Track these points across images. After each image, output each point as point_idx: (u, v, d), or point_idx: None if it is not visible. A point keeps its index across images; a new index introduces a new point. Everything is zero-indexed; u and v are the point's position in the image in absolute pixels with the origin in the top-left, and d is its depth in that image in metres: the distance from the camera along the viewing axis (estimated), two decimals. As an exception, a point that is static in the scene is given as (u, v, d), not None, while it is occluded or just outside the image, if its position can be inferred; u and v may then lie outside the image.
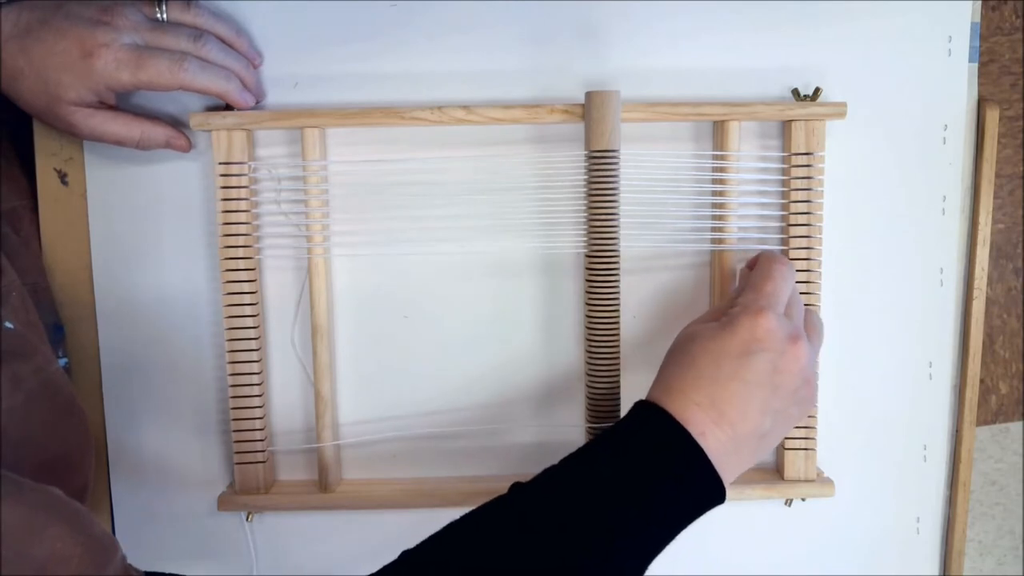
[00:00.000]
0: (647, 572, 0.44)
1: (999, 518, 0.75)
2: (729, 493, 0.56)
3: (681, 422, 0.45)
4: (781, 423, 0.48)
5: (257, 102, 0.55)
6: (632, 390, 0.57)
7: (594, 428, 0.54)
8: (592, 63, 0.56)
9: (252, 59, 0.55)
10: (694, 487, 0.45)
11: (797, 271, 0.56)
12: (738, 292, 0.50)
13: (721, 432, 0.45)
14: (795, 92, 0.56)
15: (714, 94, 0.56)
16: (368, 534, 0.60)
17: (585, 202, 0.53)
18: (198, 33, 0.51)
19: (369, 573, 0.42)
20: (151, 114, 0.54)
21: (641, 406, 0.47)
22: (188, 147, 0.55)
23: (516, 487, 0.46)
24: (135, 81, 0.49)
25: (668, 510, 0.44)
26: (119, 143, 0.52)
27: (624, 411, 0.54)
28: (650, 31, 0.56)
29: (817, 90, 0.55)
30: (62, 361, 0.56)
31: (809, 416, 0.57)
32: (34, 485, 0.36)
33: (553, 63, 0.56)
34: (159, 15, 0.51)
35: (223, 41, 0.53)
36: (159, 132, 0.53)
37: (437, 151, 0.56)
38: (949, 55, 0.57)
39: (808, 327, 0.50)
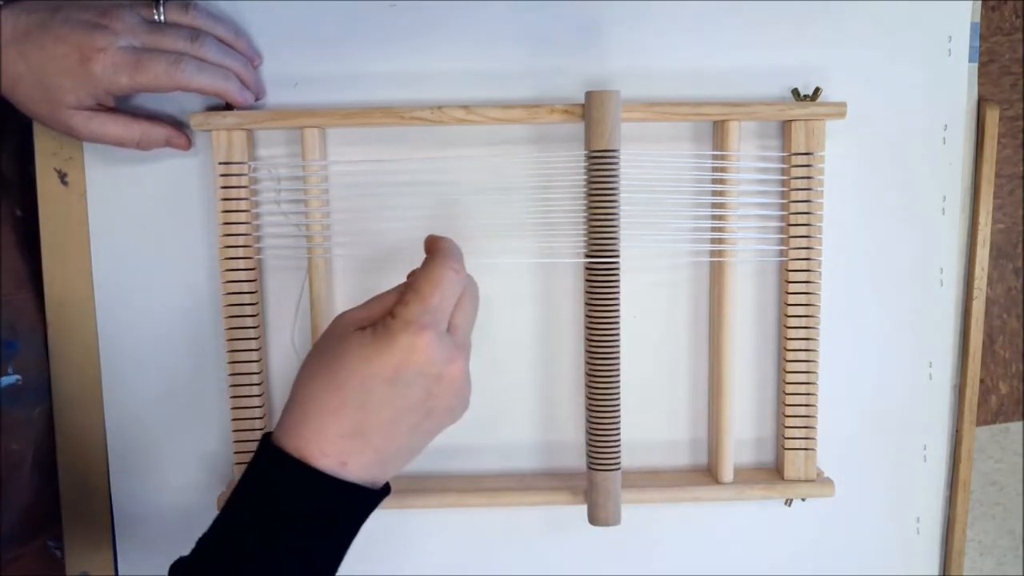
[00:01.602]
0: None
1: (999, 518, 0.75)
2: (729, 493, 0.57)
3: (316, 458, 0.42)
4: (432, 436, 0.46)
5: (257, 99, 0.55)
6: (632, 389, 0.57)
7: (595, 427, 0.54)
8: (592, 63, 0.56)
9: (252, 59, 0.55)
10: (342, 510, 0.43)
11: (797, 271, 0.56)
12: (404, 289, 0.45)
13: (364, 457, 0.43)
14: (795, 92, 0.56)
15: (714, 94, 0.56)
16: (368, 534, 0.60)
17: (585, 202, 0.53)
18: (196, 33, 0.51)
19: None
20: (151, 114, 0.54)
21: (268, 453, 0.43)
22: (188, 145, 0.55)
23: (174, 566, 0.44)
24: (133, 84, 0.49)
25: (323, 541, 0.43)
26: (119, 144, 0.52)
27: (624, 410, 0.55)
28: (650, 31, 0.56)
29: (817, 90, 0.55)
30: (11, 379, 0.56)
31: (809, 416, 0.57)
32: None
33: (553, 63, 0.56)
34: (157, 17, 0.50)
35: (222, 42, 0.53)
36: (159, 132, 0.53)
37: (437, 151, 0.56)
38: (949, 55, 0.57)
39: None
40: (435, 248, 0.47)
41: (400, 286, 0.46)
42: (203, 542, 0.43)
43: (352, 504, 0.44)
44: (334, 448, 0.42)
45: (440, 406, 0.44)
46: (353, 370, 0.42)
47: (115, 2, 0.50)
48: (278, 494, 0.42)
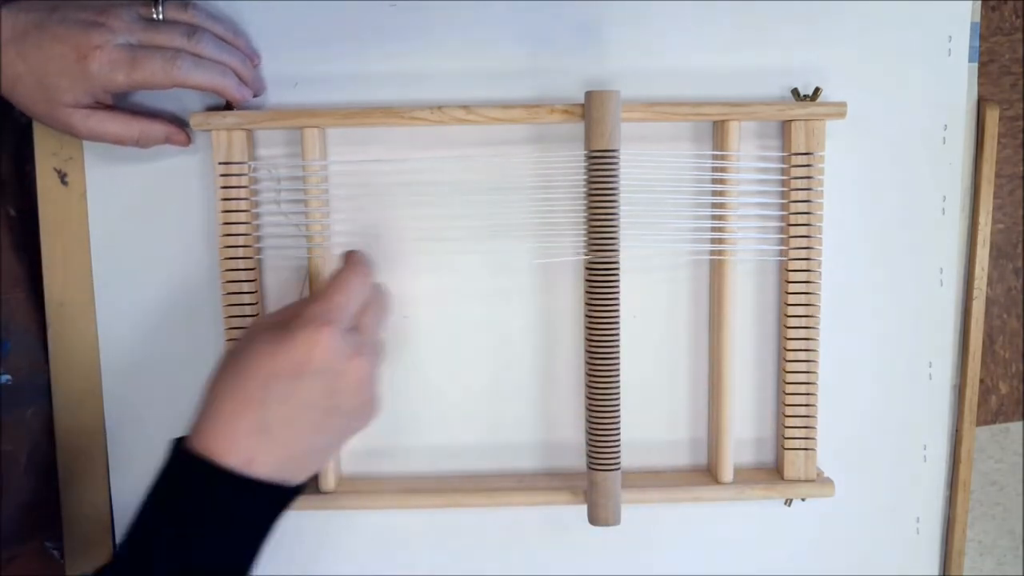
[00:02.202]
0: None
1: (999, 518, 0.75)
2: (729, 493, 0.57)
3: (222, 456, 0.42)
4: (341, 436, 0.48)
5: (257, 95, 0.55)
6: (632, 389, 0.57)
7: (595, 427, 0.54)
8: (592, 63, 0.56)
9: (250, 57, 0.55)
10: (251, 507, 0.44)
11: (797, 271, 0.56)
12: (313, 295, 0.46)
13: (271, 455, 0.44)
14: (795, 92, 0.56)
15: (714, 94, 0.56)
16: (368, 534, 0.60)
17: (585, 202, 0.53)
18: (193, 29, 0.50)
19: None
20: (150, 112, 0.54)
21: (176, 454, 0.44)
22: (188, 142, 0.55)
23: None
24: (130, 81, 0.48)
25: (233, 540, 0.44)
26: (118, 142, 0.52)
27: (624, 411, 0.55)
28: (650, 31, 0.56)
29: (817, 90, 0.55)
30: (3, 378, 0.56)
31: (809, 416, 0.57)
32: None
33: (553, 63, 0.56)
34: (156, 15, 0.50)
35: (220, 39, 0.52)
36: (158, 129, 0.53)
37: (437, 151, 0.56)
38: (949, 55, 0.57)
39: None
40: (346, 259, 0.50)
41: (312, 294, 0.47)
42: (118, 548, 0.43)
43: (261, 501, 0.45)
44: (240, 446, 0.43)
45: (344, 404, 0.45)
46: (256, 367, 0.44)
47: (113, 0, 0.49)
48: (186, 494, 0.43)
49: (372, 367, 0.46)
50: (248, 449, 0.43)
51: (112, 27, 0.48)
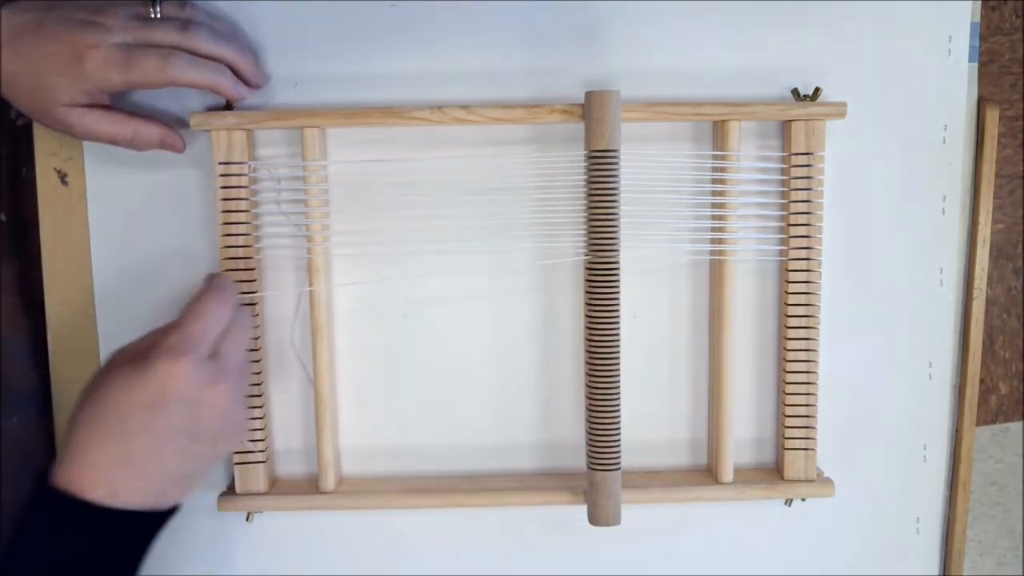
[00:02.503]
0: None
1: (999, 518, 0.75)
2: (729, 493, 0.57)
3: (86, 490, 0.43)
4: (208, 460, 0.48)
5: (259, 86, 0.55)
6: (632, 388, 0.57)
7: (595, 427, 0.54)
8: (592, 63, 0.56)
9: (249, 52, 0.54)
10: (120, 537, 0.45)
11: (797, 271, 0.56)
12: (172, 322, 0.47)
13: (135, 484, 0.44)
14: (795, 92, 0.56)
15: (714, 94, 0.56)
16: (368, 534, 0.60)
17: (585, 202, 0.53)
18: (187, 23, 0.50)
19: None
20: (147, 113, 0.54)
21: (42, 490, 0.44)
22: (182, 147, 0.54)
23: None
24: (125, 80, 0.48)
25: (104, 571, 0.44)
26: (113, 142, 0.52)
27: (624, 410, 0.55)
28: (650, 31, 0.56)
29: (817, 90, 0.55)
30: None
31: (809, 416, 0.57)
32: None
33: (553, 63, 0.56)
34: (153, 14, 0.50)
35: (218, 34, 0.52)
36: (152, 131, 0.52)
37: (437, 151, 0.56)
38: (949, 55, 0.57)
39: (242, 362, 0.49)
40: (206, 283, 0.49)
41: (174, 320, 0.47)
42: None
43: (130, 529, 0.45)
44: (103, 478, 0.43)
45: (206, 430, 0.46)
46: (115, 401, 0.44)
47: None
48: (53, 531, 0.43)
49: (232, 393, 0.47)
50: (112, 482, 0.44)
51: (108, 26, 0.48)
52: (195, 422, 0.45)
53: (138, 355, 0.45)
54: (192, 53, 0.50)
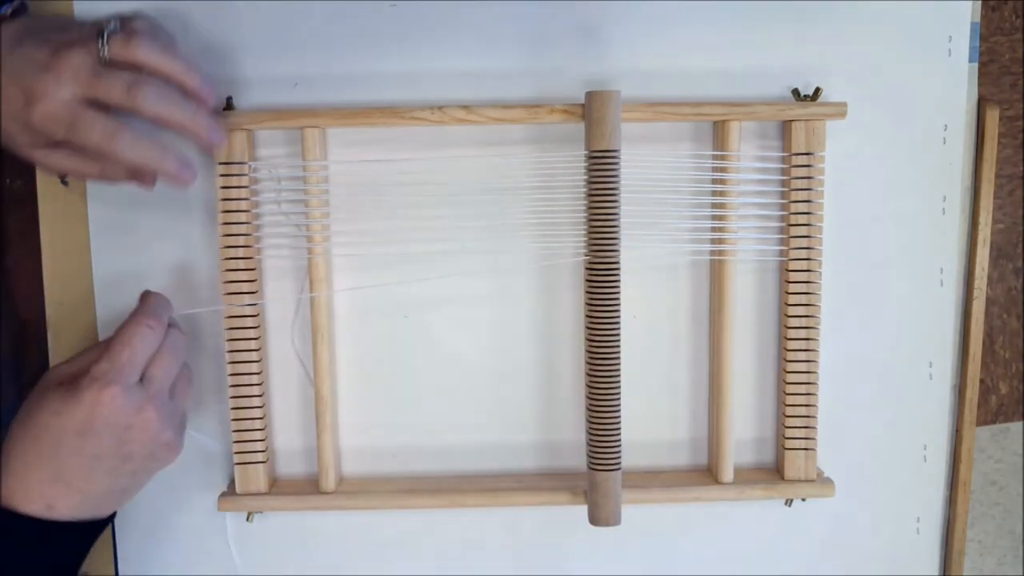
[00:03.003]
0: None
1: (999, 518, 0.75)
2: (729, 493, 0.57)
3: (22, 505, 0.46)
4: (141, 476, 0.50)
5: (214, 149, 0.52)
6: (632, 389, 0.57)
7: (595, 427, 0.54)
8: (592, 63, 0.56)
9: (205, 98, 0.49)
10: (57, 545, 0.48)
11: (797, 271, 0.56)
12: (102, 348, 0.48)
13: (70, 499, 0.47)
14: (795, 92, 0.56)
15: (714, 94, 0.56)
16: (368, 534, 0.60)
17: (585, 202, 0.53)
18: (135, 79, 0.46)
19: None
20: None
21: None
22: (152, 184, 0.52)
23: None
24: (69, 140, 0.47)
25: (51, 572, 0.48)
26: (81, 177, 0.51)
27: (624, 410, 0.54)
28: (650, 31, 0.56)
29: (817, 90, 0.55)
30: None
31: (809, 416, 0.57)
32: None
33: (553, 63, 0.56)
34: (101, 54, 0.46)
35: (171, 78, 0.48)
36: (118, 170, 0.50)
37: (437, 151, 0.56)
38: (949, 55, 0.57)
39: (178, 381, 0.51)
40: (139, 303, 0.51)
41: (106, 340, 0.49)
42: None
43: (66, 539, 0.48)
44: (37, 494, 0.46)
45: (137, 451, 0.48)
46: (46, 425, 0.47)
47: (74, 35, 0.46)
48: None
49: (159, 414, 0.48)
50: (46, 497, 0.47)
51: (60, 74, 0.45)
52: (125, 444, 0.47)
53: (70, 379, 0.48)
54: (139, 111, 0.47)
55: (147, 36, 0.47)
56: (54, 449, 0.46)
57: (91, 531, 0.50)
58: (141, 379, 0.48)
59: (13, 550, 0.46)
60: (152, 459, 0.49)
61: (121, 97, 0.46)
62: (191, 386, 0.54)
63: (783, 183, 0.56)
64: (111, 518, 0.51)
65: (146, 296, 0.52)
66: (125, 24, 0.47)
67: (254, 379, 0.55)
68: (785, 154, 0.56)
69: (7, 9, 0.48)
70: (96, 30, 0.46)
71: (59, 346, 0.57)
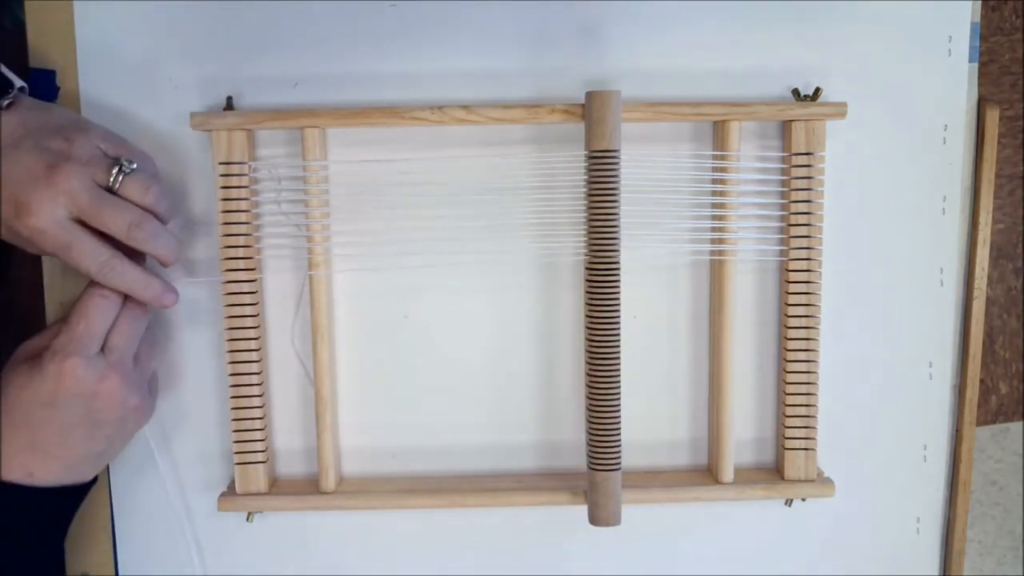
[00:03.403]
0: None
1: (999, 518, 0.75)
2: (729, 493, 0.57)
3: (3, 472, 0.48)
4: (117, 439, 0.52)
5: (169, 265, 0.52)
6: (632, 389, 0.57)
7: (595, 427, 0.54)
8: (592, 63, 0.56)
9: (166, 220, 0.51)
10: (39, 509, 0.50)
11: (797, 271, 0.56)
12: (62, 323, 0.49)
13: (49, 465, 0.49)
14: (795, 92, 0.56)
15: (714, 94, 0.56)
16: (368, 534, 0.60)
17: (585, 202, 0.53)
18: (138, 220, 0.48)
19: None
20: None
21: None
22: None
23: None
24: (58, 256, 0.48)
25: (29, 540, 0.50)
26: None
27: (624, 410, 0.55)
28: (650, 31, 0.56)
29: (817, 90, 0.55)
30: None
31: (809, 416, 0.57)
32: None
33: (553, 63, 0.56)
34: (113, 186, 0.48)
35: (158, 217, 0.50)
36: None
37: (437, 151, 0.56)
38: (949, 55, 0.57)
39: (142, 346, 0.52)
40: (91, 281, 0.50)
41: (66, 314, 0.51)
42: None
43: (47, 504, 0.50)
44: (16, 463, 0.48)
45: (107, 417, 0.50)
46: (15, 398, 0.48)
47: (75, 148, 0.47)
48: None
49: (124, 381, 0.50)
50: (25, 465, 0.49)
51: (56, 193, 0.46)
52: (94, 412, 0.49)
53: (35, 354, 0.50)
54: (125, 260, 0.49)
55: (161, 187, 0.50)
56: (27, 419, 0.48)
57: (74, 495, 0.52)
58: (103, 349, 0.49)
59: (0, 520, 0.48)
60: (124, 423, 0.51)
61: (121, 233, 0.48)
62: (155, 349, 0.55)
63: (783, 183, 0.56)
64: (94, 482, 0.53)
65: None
66: (143, 167, 0.50)
67: (254, 379, 0.55)
68: (785, 154, 0.56)
69: (5, 101, 0.47)
70: (105, 157, 0.48)
71: (59, 346, 0.57)
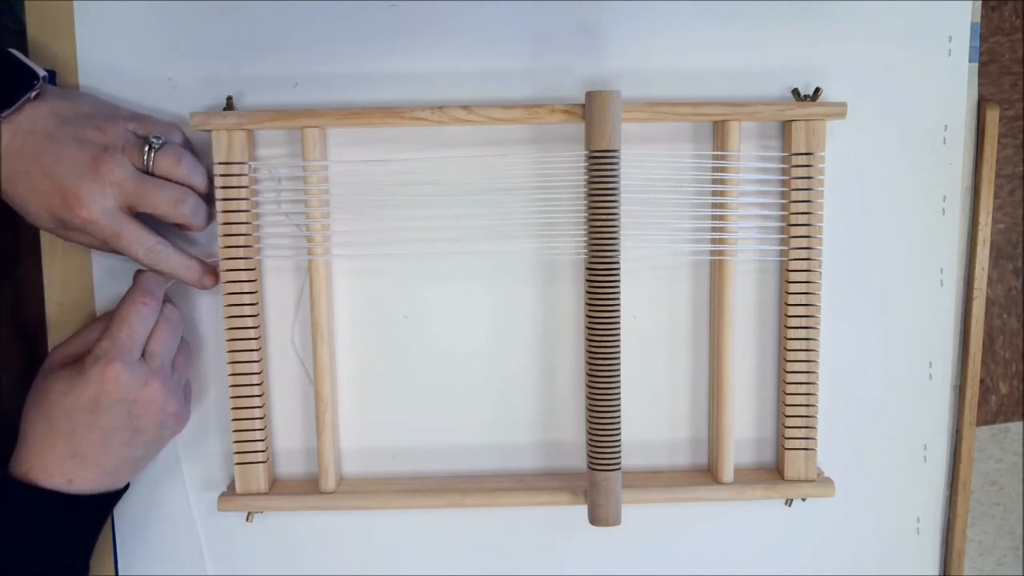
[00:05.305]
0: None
1: (999, 518, 0.75)
2: (729, 493, 0.57)
3: (42, 480, 0.48)
4: (154, 445, 0.53)
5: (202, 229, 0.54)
6: (632, 389, 0.57)
7: (595, 427, 0.54)
8: (592, 63, 0.56)
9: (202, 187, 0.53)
10: (78, 517, 0.50)
11: (797, 271, 0.56)
12: (104, 327, 0.50)
13: (87, 472, 0.49)
14: (795, 92, 0.56)
15: (714, 94, 0.56)
16: (368, 534, 0.60)
17: (585, 202, 0.53)
18: (181, 196, 0.51)
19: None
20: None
21: (4, 484, 0.49)
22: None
23: None
24: (106, 247, 0.50)
25: (65, 546, 0.50)
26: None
27: (624, 410, 0.55)
28: (650, 31, 0.56)
29: (817, 90, 0.55)
30: None
31: (809, 416, 0.57)
32: None
33: (553, 63, 0.56)
34: (147, 166, 0.50)
35: (196, 190, 0.52)
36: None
37: (437, 151, 0.56)
38: (949, 55, 0.57)
39: (178, 353, 0.53)
40: (133, 284, 0.53)
41: (103, 318, 0.52)
42: None
43: (85, 510, 0.51)
44: (57, 469, 0.49)
45: (147, 423, 0.51)
46: (56, 404, 0.49)
47: (110, 136, 0.49)
48: (17, 516, 0.48)
49: (164, 387, 0.50)
50: (66, 472, 0.49)
51: (104, 185, 0.48)
52: (135, 418, 0.50)
53: (76, 359, 0.50)
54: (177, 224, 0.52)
55: (189, 155, 0.52)
56: (68, 426, 0.48)
57: (107, 502, 0.52)
58: (143, 355, 0.50)
59: (36, 527, 0.48)
60: (163, 428, 0.52)
61: (167, 211, 0.50)
62: (191, 357, 0.56)
63: (783, 183, 0.56)
64: (125, 489, 0.54)
65: (139, 275, 0.53)
66: (169, 139, 0.51)
67: (254, 379, 0.55)
68: (785, 154, 0.56)
69: (33, 92, 0.48)
70: (136, 139, 0.50)
71: (59, 346, 0.57)
